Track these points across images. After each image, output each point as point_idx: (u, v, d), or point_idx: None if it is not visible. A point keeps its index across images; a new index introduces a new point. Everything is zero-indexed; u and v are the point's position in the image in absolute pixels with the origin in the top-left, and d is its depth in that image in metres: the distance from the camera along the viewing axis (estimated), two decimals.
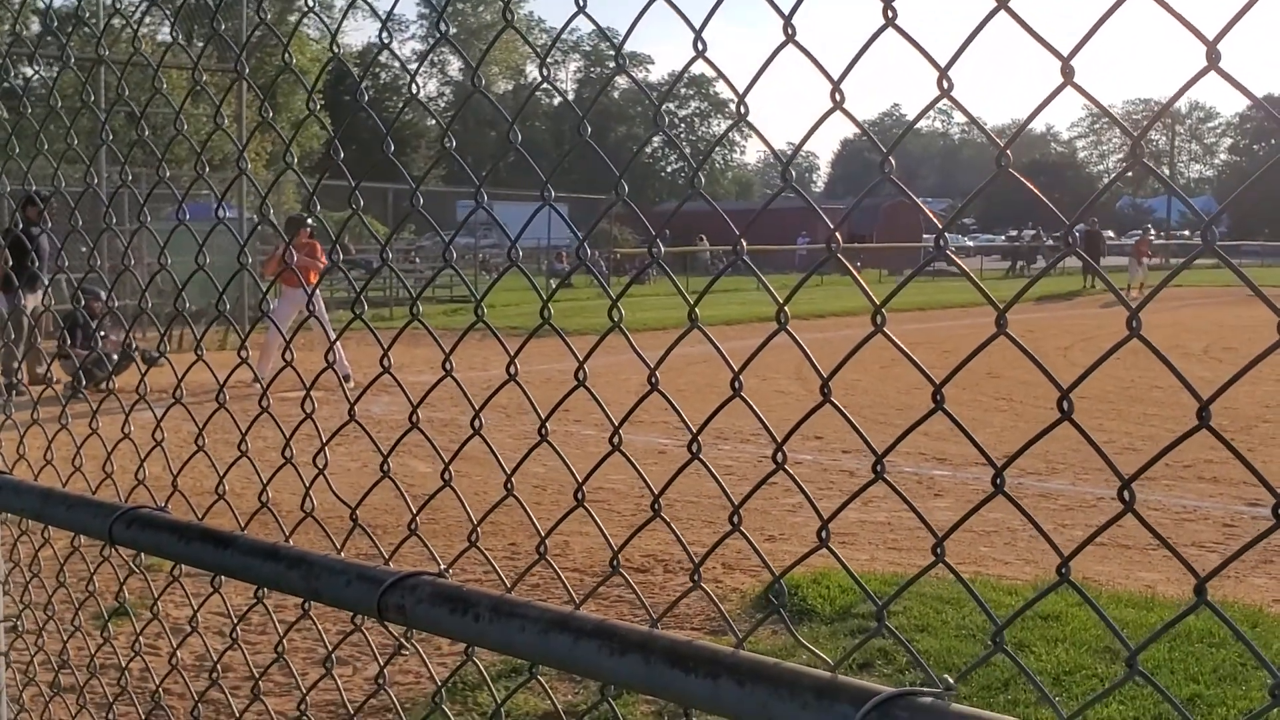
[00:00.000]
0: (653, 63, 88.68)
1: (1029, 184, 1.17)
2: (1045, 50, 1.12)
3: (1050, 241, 43.73)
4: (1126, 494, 1.07)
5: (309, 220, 15.04)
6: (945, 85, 1.15)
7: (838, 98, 1.25)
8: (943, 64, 1.15)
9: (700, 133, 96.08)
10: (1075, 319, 26.28)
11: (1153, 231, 42.56)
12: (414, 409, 1.72)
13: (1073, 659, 5.14)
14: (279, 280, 14.33)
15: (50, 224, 10.64)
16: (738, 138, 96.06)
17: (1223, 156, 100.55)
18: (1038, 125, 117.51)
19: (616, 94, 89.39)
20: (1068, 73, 1.07)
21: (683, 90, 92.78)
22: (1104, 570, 6.76)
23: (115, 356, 11.74)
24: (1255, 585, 6.61)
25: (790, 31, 1.28)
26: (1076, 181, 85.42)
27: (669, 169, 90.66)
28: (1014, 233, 59.15)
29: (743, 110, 1.34)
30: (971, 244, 57.90)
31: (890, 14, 1.17)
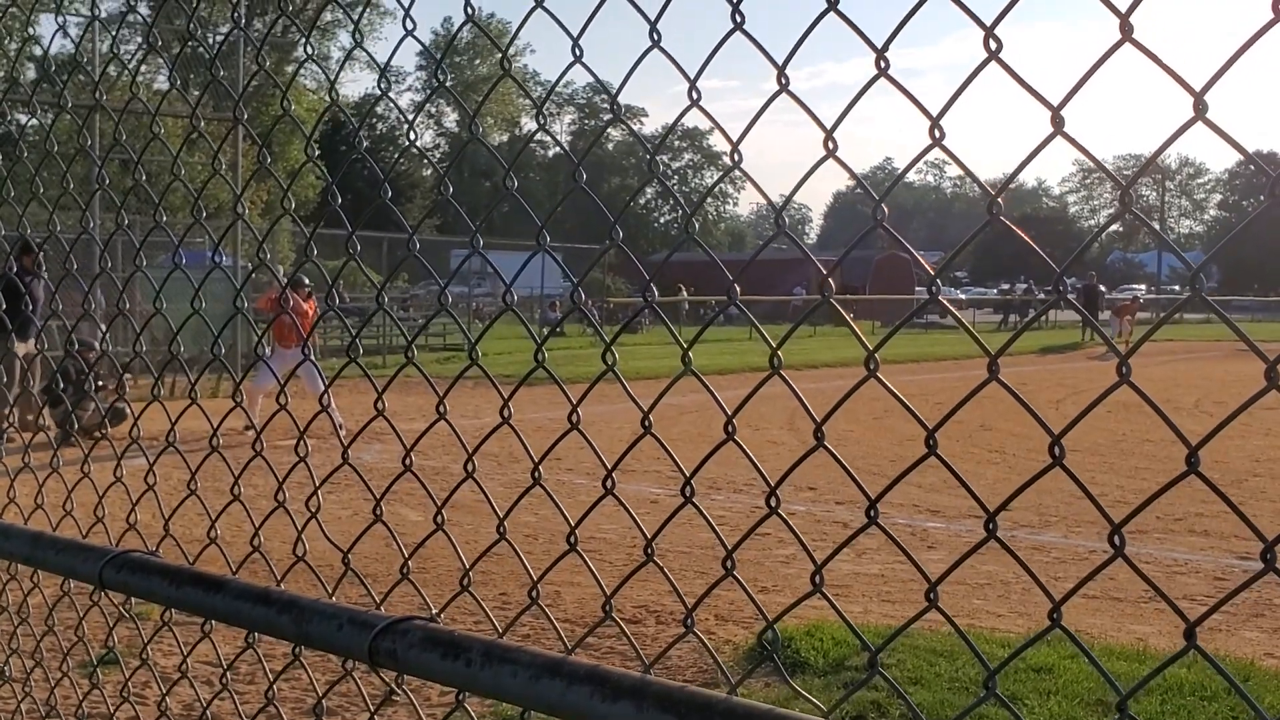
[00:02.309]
0: (647, 115, 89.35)
1: (1019, 232, 1.18)
2: (1037, 103, 1.13)
3: (1042, 295, 43.91)
4: (1117, 539, 1.08)
5: (307, 282, 15.14)
6: (937, 134, 1.16)
7: (830, 145, 1.26)
8: (934, 113, 1.16)
9: (694, 184, 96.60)
10: (1069, 372, 26.33)
11: (1142, 299, 42.48)
12: (406, 453, 1.72)
13: (1065, 711, 5.11)
14: (274, 337, 14.38)
15: (45, 270, 10.63)
16: (730, 189, 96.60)
17: (1213, 212, 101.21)
18: (1029, 180, 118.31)
19: (611, 146, 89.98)
20: (1058, 122, 1.08)
21: (676, 143, 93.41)
22: (1096, 623, 6.73)
23: (108, 405, 11.74)
24: (1247, 639, 6.59)
25: (784, 81, 1.29)
26: (1068, 236, 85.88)
27: (662, 220, 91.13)
28: (1006, 286, 59.37)
29: (736, 158, 1.35)
30: (964, 296, 58.10)
31: (883, 64, 1.19)
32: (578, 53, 1.47)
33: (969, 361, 26.23)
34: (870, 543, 8.51)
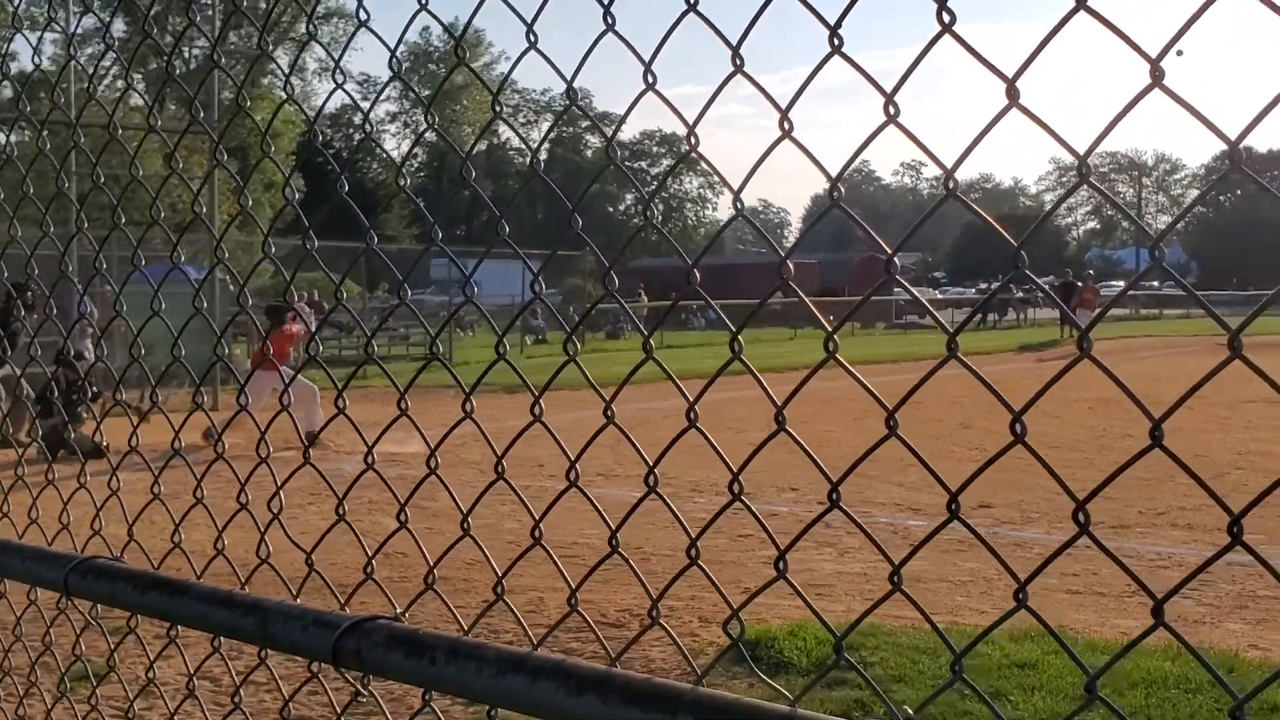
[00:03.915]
0: (624, 123, 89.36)
1: (977, 210, 1.17)
2: (995, 77, 1.12)
3: (1020, 294, 44.02)
4: (1082, 516, 1.06)
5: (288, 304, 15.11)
6: (891, 111, 1.15)
7: (786, 126, 1.25)
8: (889, 90, 1.15)
9: (672, 189, 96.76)
10: (1048, 369, 26.39)
11: (1091, 282, 41.65)
12: (369, 449, 1.70)
13: (1049, 706, 5.10)
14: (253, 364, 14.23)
15: (28, 312, 10.47)
16: (709, 195, 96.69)
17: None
18: (1005, 179, 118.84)
19: (589, 153, 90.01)
20: (1013, 94, 1.07)
21: (654, 149, 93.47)
22: (1080, 618, 6.73)
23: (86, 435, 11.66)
24: (1230, 630, 6.60)
25: (739, 62, 1.28)
26: (1045, 234, 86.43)
27: (637, 224, 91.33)
28: (984, 285, 59.62)
29: (693, 141, 1.33)
30: (941, 296, 58.25)
31: (836, 42, 1.17)
32: (532, 39, 1.45)
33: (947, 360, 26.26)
34: (853, 542, 8.50)
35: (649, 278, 45.57)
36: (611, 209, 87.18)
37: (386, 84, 1.79)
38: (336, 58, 1.63)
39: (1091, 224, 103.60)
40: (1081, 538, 1.11)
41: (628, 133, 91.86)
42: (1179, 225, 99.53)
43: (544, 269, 1.59)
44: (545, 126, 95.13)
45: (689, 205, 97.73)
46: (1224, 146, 1.02)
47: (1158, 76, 0.98)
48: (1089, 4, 1.00)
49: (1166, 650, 5.50)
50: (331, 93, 1.73)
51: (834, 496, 1.27)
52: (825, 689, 5.43)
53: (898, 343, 33.83)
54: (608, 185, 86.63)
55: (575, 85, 1.50)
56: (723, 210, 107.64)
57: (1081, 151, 1.06)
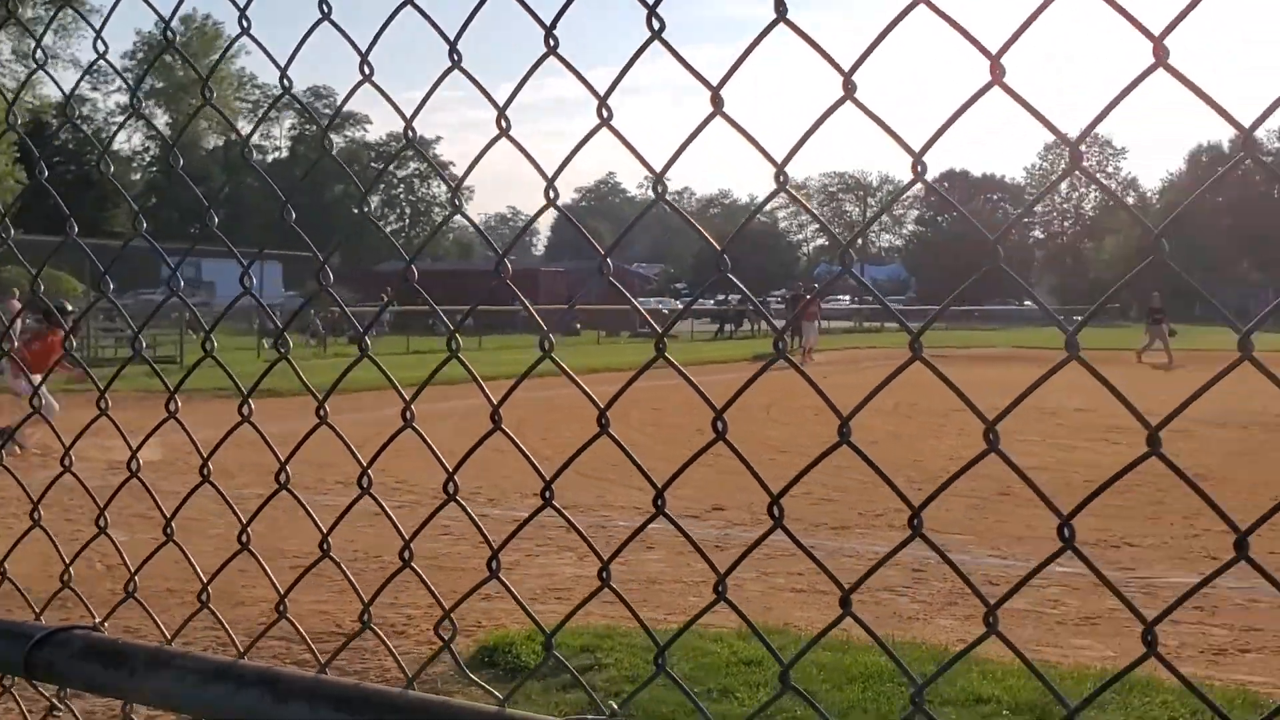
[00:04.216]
0: (370, 123, 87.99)
1: (682, 213, 1.20)
2: (701, 84, 1.15)
3: (753, 307, 45.50)
4: (776, 510, 1.10)
5: (70, 308, 14.13)
6: (605, 114, 1.17)
7: (503, 125, 1.25)
8: (602, 93, 1.17)
9: (420, 193, 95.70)
10: (781, 379, 27.26)
11: (807, 294, 42.61)
12: (66, 451, 1.61)
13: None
14: (32, 368, 13.19)
15: None
16: (457, 200, 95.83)
17: (910, 227, 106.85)
18: (741, 196, 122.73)
19: (334, 152, 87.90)
20: (717, 102, 1.10)
21: (402, 151, 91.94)
22: (804, 615, 6.97)
23: None
24: (942, 626, 6.97)
25: (456, 58, 1.27)
26: (779, 249, 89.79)
27: (388, 229, 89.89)
28: (722, 297, 61.35)
29: (411, 134, 1.32)
30: (681, 306, 59.63)
31: (552, 42, 1.18)
32: (245, 24, 1.41)
33: (713, 367, 26.95)
34: (595, 545, 8.57)
35: (395, 281, 44.93)
36: (357, 210, 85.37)
37: (89, 68, 1.71)
38: (38, 37, 1.54)
39: (821, 240, 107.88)
40: (809, 541, 1.16)
41: (374, 134, 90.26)
42: (899, 243, 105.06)
43: (250, 266, 1.55)
44: (288, 123, 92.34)
45: (437, 209, 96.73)
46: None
47: (850, 90, 1.03)
48: (788, 16, 1.04)
49: (839, 624, 5.74)
50: (30, 74, 1.64)
51: (547, 495, 1.29)
52: (561, 691, 5.46)
53: (641, 350, 34.45)
54: (352, 189, 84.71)
55: (266, 50, 1.46)
56: (473, 215, 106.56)
57: (780, 161, 1.11)
